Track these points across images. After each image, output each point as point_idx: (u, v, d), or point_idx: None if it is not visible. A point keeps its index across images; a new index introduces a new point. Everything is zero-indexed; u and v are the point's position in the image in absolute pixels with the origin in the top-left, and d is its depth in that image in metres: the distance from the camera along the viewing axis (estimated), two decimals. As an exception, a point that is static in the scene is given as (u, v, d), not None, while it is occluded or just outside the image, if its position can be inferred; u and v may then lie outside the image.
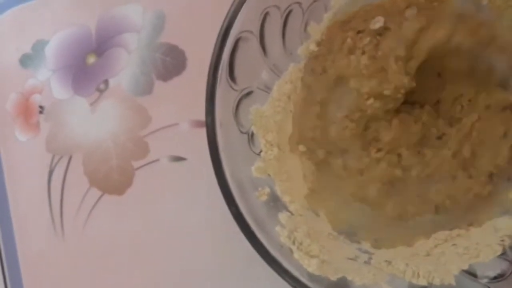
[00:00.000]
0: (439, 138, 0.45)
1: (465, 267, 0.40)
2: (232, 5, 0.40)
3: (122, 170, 0.54)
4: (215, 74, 0.40)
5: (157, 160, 0.53)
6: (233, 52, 0.41)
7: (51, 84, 0.58)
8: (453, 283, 0.39)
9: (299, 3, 0.45)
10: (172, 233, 0.52)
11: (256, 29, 0.43)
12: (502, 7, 0.43)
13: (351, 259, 0.43)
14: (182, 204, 0.52)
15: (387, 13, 0.46)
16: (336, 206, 0.46)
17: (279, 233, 0.41)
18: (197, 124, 0.53)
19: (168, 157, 0.53)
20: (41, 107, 0.58)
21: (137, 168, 0.54)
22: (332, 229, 0.45)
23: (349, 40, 0.46)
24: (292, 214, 0.44)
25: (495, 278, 0.39)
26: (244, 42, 0.42)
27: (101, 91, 0.56)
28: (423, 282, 0.40)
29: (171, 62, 0.55)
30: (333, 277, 0.40)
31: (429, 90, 0.46)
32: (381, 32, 0.46)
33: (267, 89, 0.46)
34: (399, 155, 0.45)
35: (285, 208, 0.44)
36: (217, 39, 0.40)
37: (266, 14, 0.43)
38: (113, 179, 0.54)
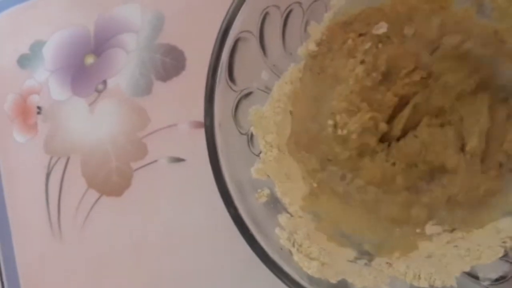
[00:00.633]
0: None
1: (467, 269, 0.40)
2: (231, 5, 0.40)
3: (120, 171, 0.54)
4: (214, 75, 0.40)
5: (156, 161, 0.53)
6: (232, 53, 0.41)
7: (49, 85, 0.58)
8: (455, 285, 0.39)
9: (299, 3, 0.45)
10: (171, 235, 0.51)
11: (255, 29, 0.43)
12: (504, 6, 0.43)
13: (351, 261, 0.42)
14: (181, 206, 0.52)
15: (388, 18, 0.46)
16: (334, 210, 0.46)
17: (278, 235, 0.41)
18: (196, 125, 0.52)
19: (167, 158, 0.53)
20: (39, 108, 0.57)
21: (136, 169, 0.53)
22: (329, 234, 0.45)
23: (350, 41, 0.46)
24: (291, 215, 0.44)
25: (496, 280, 0.39)
26: (244, 42, 0.41)
27: (99, 92, 0.56)
28: (424, 284, 0.40)
29: (170, 63, 0.55)
30: (333, 280, 0.39)
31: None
32: (383, 40, 0.46)
33: (267, 89, 0.46)
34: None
35: (285, 209, 0.44)
36: (216, 40, 0.40)
37: (266, 14, 0.43)
38: (111, 181, 0.54)
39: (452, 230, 0.44)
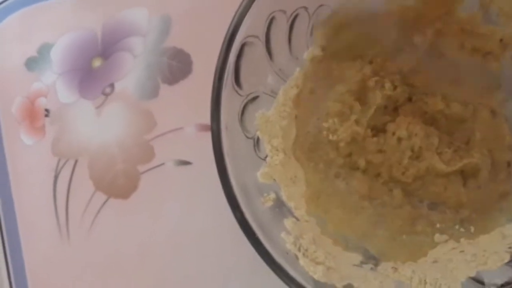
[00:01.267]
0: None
1: (473, 274, 0.40)
2: (237, 10, 0.40)
3: (127, 174, 0.54)
4: (221, 80, 0.40)
5: (163, 164, 0.53)
6: (238, 57, 0.41)
7: (57, 88, 0.58)
8: (460, 290, 0.39)
9: (305, 8, 0.45)
10: (177, 238, 0.52)
11: (262, 34, 0.43)
12: (510, 11, 0.43)
13: (356, 265, 0.42)
14: (187, 209, 0.52)
15: (397, 24, 0.46)
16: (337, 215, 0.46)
17: (284, 240, 0.41)
18: (203, 128, 0.53)
19: (174, 161, 0.53)
20: (46, 110, 0.58)
21: (143, 172, 0.54)
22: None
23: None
24: (297, 220, 0.44)
25: (502, 286, 0.38)
26: (250, 47, 0.42)
27: (107, 95, 0.56)
28: (430, 290, 0.40)
29: (177, 66, 0.55)
30: (339, 284, 0.39)
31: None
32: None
33: (273, 94, 0.46)
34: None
35: (291, 214, 0.44)
36: (222, 44, 0.40)
37: (272, 18, 0.43)
38: (118, 183, 0.54)
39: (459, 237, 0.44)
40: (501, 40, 0.44)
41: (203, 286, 0.50)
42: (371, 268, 0.42)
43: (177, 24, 0.56)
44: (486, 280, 0.39)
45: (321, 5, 0.45)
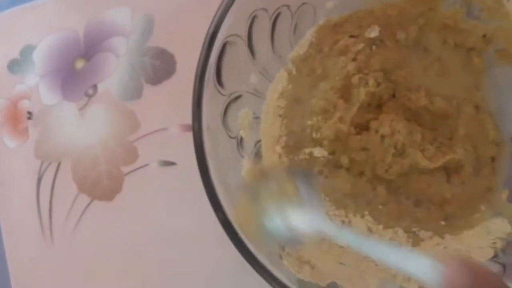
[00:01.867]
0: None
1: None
2: (218, 9, 0.39)
3: (111, 176, 0.53)
4: (202, 80, 0.39)
5: (147, 165, 0.53)
6: (220, 56, 0.41)
7: (40, 90, 0.58)
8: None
9: (288, 6, 0.44)
10: (162, 239, 0.51)
11: (244, 33, 0.43)
12: (493, 7, 0.43)
13: (341, 263, 0.42)
14: (172, 209, 0.52)
15: (379, 21, 0.46)
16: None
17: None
18: (187, 128, 0.52)
19: (158, 161, 0.53)
20: (29, 113, 0.57)
21: (127, 174, 0.53)
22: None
23: (341, 42, 0.46)
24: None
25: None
26: (232, 46, 0.41)
27: (89, 96, 0.56)
28: (414, 286, 0.40)
29: (160, 66, 0.55)
30: (324, 283, 0.39)
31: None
32: (377, 43, 0.46)
33: (257, 92, 0.46)
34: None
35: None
36: (203, 44, 0.40)
37: (254, 17, 0.42)
38: (102, 185, 0.53)
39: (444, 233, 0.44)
40: (484, 35, 0.44)
41: (188, 285, 0.50)
42: (355, 266, 0.42)
43: (160, 24, 0.56)
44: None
45: (303, 3, 0.45)
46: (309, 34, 0.48)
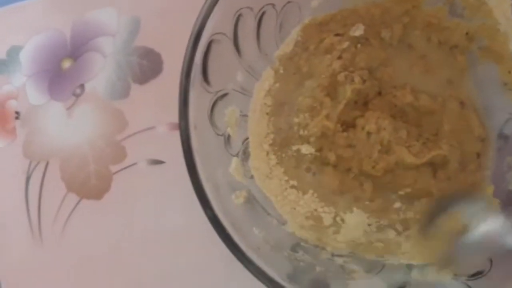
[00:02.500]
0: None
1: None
2: (203, 7, 0.40)
3: (99, 175, 0.54)
4: (188, 77, 0.40)
5: (135, 164, 0.53)
6: (206, 55, 0.41)
7: (27, 90, 0.58)
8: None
9: (273, 5, 0.45)
10: (151, 237, 0.51)
11: (229, 31, 0.43)
12: (475, 4, 0.44)
13: (329, 259, 0.43)
14: (161, 208, 0.52)
15: (364, 19, 0.47)
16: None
17: (256, 235, 0.41)
18: (175, 126, 0.53)
19: (146, 160, 0.53)
20: (17, 113, 0.57)
21: (115, 173, 0.53)
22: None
23: (327, 40, 0.47)
24: (270, 214, 0.44)
25: (473, 275, 0.39)
26: (217, 44, 0.42)
27: (77, 96, 0.56)
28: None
29: (147, 65, 0.55)
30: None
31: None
32: (362, 42, 0.46)
33: (243, 90, 0.46)
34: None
35: (264, 210, 0.44)
36: (189, 42, 0.40)
37: (239, 16, 0.43)
38: (90, 184, 0.54)
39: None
40: (467, 33, 0.45)
41: (177, 284, 0.50)
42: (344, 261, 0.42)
43: (147, 23, 0.56)
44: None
45: (288, 2, 0.46)
46: (294, 33, 0.48)
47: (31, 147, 0.56)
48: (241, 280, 0.47)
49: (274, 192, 0.46)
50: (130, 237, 0.52)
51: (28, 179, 0.56)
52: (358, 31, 0.47)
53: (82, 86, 0.56)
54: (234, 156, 0.45)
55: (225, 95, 0.44)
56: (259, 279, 0.38)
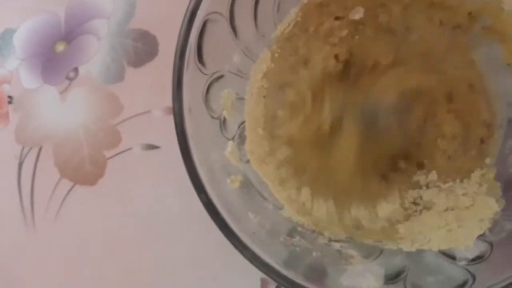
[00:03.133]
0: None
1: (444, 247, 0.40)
2: (198, -15, 0.39)
3: (93, 160, 0.53)
4: (182, 58, 0.39)
5: (130, 149, 0.52)
6: (201, 35, 0.40)
7: (20, 74, 0.57)
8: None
9: (271, -17, 0.44)
10: (146, 223, 0.51)
11: (225, 11, 0.42)
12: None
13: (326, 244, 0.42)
14: (156, 194, 0.51)
15: (364, 2, 0.45)
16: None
17: (251, 220, 0.40)
18: (170, 111, 0.51)
19: (141, 145, 0.52)
20: (10, 97, 0.56)
21: (109, 158, 0.53)
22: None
23: (326, 24, 0.46)
24: (266, 199, 0.43)
25: (473, 260, 0.38)
26: (213, 23, 0.40)
27: (71, 80, 0.55)
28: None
29: (142, 48, 0.54)
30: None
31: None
32: (359, 29, 0.45)
33: (239, 72, 0.45)
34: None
35: (260, 194, 0.44)
36: (183, 22, 0.39)
37: (236, -6, 0.42)
38: (84, 170, 0.53)
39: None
40: (469, 13, 0.44)
41: (173, 271, 0.50)
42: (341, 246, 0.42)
43: (142, 5, 0.55)
44: (457, 255, 0.39)
45: (287, -20, 0.45)
46: (293, 13, 0.47)
47: (24, 132, 0.55)
48: (238, 266, 0.46)
49: (271, 177, 0.45)
50: (125, 223, 0.51)
51: (20, 164, 0.55)
52: (358, 14, 0.46)
53: (76, 70, 0.55)
54: (230, 140, 0.44)
55: (220, 77, 0.43)
56: (254, 264, 0.37)
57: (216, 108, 0.43)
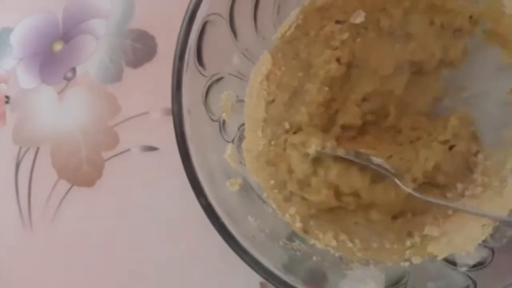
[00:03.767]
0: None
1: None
2: (198, -14, 0.38)
3: (91, 161, 0.52)
4: (182, 59, 0.38)
5: (128, 150, 0.52)
6: (200, 36, 0.40)
7: (17, 73, 0.56)
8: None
9: (272, -15, 0.43)
10: (143, 225, 0.50)
11: (225, 12, 0.41)
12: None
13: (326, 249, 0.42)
14: (154, 195, 0.51)
15: (365, 6, 0.45)
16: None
17: (251, 223, 0.40)
18: (169, 112, 0.50)
19: (139, 147, 0.52)
20: (7, 97, 0.56)
21: (107, 159, 0.52)
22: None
23: (327, 28, 0.45)
24: (265, 202, 0.43)
25: (474, 266, 0.38)
26: (213, 25, 0.40)
27: (68, 80, 0.54)
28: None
29: (141, 49, 0.53)
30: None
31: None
32: (361, 32, 0.45)
33: (239, 74, 0.45)
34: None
35: (259, 198, 0.43)
36: (182, 23, 0.38)
37: (236, -4, 0.41)
38: (82, 171, 0.52)
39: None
40: (471, 17, 0.44)
41: (171, 274, 0.49)
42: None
43: (141, 5, 0.54)
44: (458, 261, 0.39)
45: (286, -17, 0.44)
46: (293, 15, 0.46)
47: (21, 133, 0.55)
48: (236, 269, 0.45)
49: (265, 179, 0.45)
50: (122, 224, 0.51)
51: (18, 165, 0.54)
52: (359, 18, 0.45)
53: (73, 70, 0.54)
54: (229, 142, 0.44)
55: (220, 79, 0.43)
56: (254, 269, 0.37)
57: (216, 111, 0.43)
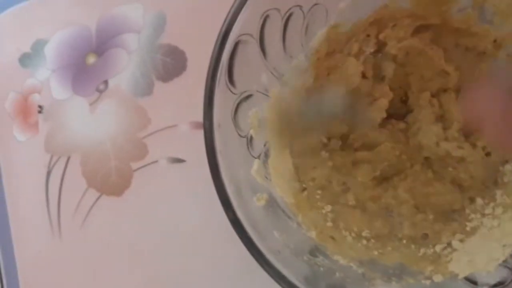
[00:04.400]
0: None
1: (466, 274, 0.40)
2: (231, 8, 0.39)
3: (120, 171, 0.54)
4: (214, 78, 0.39)
5: (156, 161, 0.53)
6: (232, 55, 0.40)
7: (51, 84, 0.58)
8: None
9: (300, 6, 0.44)
10: (170, 235, 0.51)
11: (256, 32, 0.42)
12: (506, 12, 0.43)
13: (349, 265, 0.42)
14: (180, 207, 0.52)
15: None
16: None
17: (277, 238, 0.41)
18: (197, 125, 0.52)
19: (167, 158, 0.53)
20: (40, 106, 0.58)
21: (136, 170, 0.53)
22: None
23: (355, 45, 0.47)
24: (290, 218, 0.44)
25: (495, 286, 0.39)
26: (244, 45, 0.41)
27: (100, 92, 0.56)
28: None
29: (171, 63, 0.55)
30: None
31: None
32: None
33: (267, 92, 0.46)
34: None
35: (285, 213, 0.44)
36: (216, 42, 0.39)
37: (266, 17, 0.42)
38: (111, 180, 0.54)
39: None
40: (495, 40, 0.44)
41: (196, 284, 0.50)
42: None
43: (172, 21, 0.56)
44: (479, 280, 0.39)
45: (315, 4, 0.45)
46: (320, 35, 0.47)
47: (52, 142, 0.56)
48: (259, 284, 0.46)
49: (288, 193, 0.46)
50: (149, 234, 0.52)
51: (48, 173, 0.56)
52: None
53: (105, 82, 0.56)
54: (256, 158, 0.44)
55: (249, 96, 0.44)
56: (278, 282, 0.37)
57: (244, 127, 0.43)
